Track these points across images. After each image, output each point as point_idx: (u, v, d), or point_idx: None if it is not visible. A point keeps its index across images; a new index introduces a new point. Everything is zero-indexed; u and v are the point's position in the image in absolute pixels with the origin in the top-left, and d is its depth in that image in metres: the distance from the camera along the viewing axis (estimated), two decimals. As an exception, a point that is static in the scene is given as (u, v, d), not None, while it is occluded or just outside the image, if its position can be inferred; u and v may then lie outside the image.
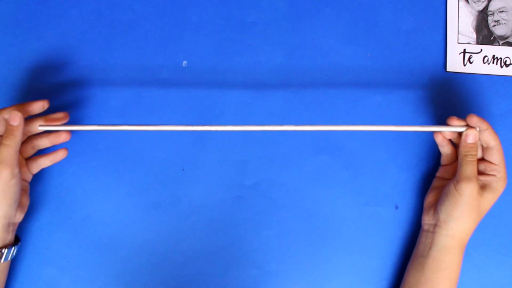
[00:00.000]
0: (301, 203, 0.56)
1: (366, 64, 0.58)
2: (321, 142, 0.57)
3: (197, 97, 0.57)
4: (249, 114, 0.57)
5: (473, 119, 0.49)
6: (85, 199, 0.56)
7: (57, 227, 0.56)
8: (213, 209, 0.56)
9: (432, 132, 0.53)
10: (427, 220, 0.52)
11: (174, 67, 0.58)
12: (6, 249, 0.49)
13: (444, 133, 0.52)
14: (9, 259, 0.50)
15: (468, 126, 0.49)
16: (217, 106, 0.57)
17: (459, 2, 0.58)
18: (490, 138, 0.49)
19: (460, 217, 0.49)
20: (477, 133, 0.49)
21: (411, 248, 0.55)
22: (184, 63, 0.58)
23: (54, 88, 0.57)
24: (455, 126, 0.50)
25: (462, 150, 0.49)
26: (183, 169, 0.56)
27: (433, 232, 0.50)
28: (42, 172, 0.56)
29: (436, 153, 0.56)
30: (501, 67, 0.57)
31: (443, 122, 0.56)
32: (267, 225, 0.56)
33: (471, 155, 0.48)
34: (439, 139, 0.52)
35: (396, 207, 0.56)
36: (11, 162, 0.47)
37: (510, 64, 0.57)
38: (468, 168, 0.48)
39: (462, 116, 0.50)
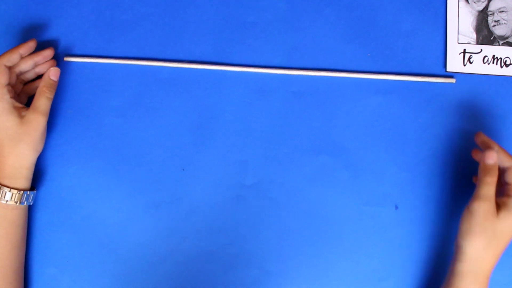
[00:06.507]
0: (301, 203, 0.56)
1: (366, 64, 0.58)
2: (321, 142, 0.57)
3: (197, 97, 0.57)
4: (249, 114, 0.57)
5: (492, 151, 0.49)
6: (85, 199, 0.56)
7: (57, 227, 0.56)
8: (213, 209, 0.56)
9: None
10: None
11: (174, 67, 0.58)
12: (31, 192, 0.53)
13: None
14: (31, 202, 0.54)
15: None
16: (217, 106, 0.57)
17: (459, 2, 0.58)
18: (504, 160, 0.49)
19: (472, 240, 0.47)
20: (495, 154, 0.48)
21: (411, 248, 0.55)
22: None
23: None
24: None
25: (481, 170, 0.48)
26: (183, 169, 0.56)
27: (453, 259, 0.50)
28: (42, 172, 0.56)
29: (435, 153, 0.56)
30: (501, 67, 0.57)
31: (443, 122, 0.56)
32: (267, 225, 0.56)
33: (490, 176, 0.48)
34: (478, 158, 0.52)
35: (396, 207, 0.56)
36: (48, 111, 0.53)
37: (510, 64, 0.57)
38: (484, 188, 0.47)
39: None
